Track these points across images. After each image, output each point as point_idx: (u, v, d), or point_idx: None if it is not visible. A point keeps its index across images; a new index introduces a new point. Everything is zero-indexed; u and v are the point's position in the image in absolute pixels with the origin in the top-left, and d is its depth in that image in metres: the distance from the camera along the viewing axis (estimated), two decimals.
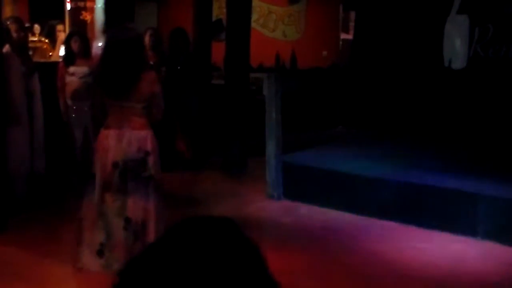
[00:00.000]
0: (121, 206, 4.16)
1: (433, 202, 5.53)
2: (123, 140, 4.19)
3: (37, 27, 8.82)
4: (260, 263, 0.98)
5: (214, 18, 9.44)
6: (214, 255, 0.93)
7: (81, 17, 9.29)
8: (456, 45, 7.88)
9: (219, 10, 10.15)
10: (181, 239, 0.96)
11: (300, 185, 6.34)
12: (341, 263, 4.75)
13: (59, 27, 8.71)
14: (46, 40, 8.46)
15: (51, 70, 6.76)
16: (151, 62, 7.27)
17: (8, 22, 6.13)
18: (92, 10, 9.36)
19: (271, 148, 6.44)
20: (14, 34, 6.03)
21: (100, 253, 4.22)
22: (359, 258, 4.84)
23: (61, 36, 8.67)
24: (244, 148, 7.57)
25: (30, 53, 7.21)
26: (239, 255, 0.95)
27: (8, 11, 8.05)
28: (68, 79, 6.60)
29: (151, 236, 4.13)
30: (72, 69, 6.60)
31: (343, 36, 12.16)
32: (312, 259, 4.81)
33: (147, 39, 7.52)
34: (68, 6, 9.17)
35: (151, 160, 4.25)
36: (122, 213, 4.16)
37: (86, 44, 6.78)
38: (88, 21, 9.37)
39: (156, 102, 4.32)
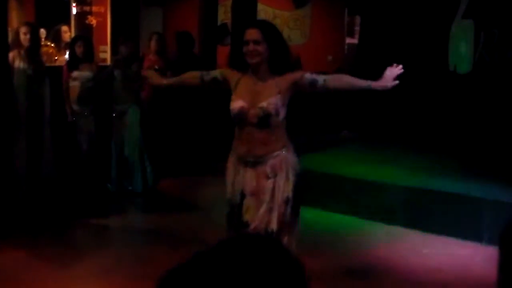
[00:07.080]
0: None
1: (439, 207, 5.50)
2: None
3: (43, 31, 8.82)
4: (303, 284, 0.97)
5: (219, 23, 9.44)
6: (258, 273, 0.92)
7: (87, 22, 9.30)
8: (461, 50, 7.85)
9: (224, 15, 10.14)
10: (227, 255, 0.95)
11: (305, 189, 6.31)
12: (346, 267, 4.74)
13: (64, 28, 8.69)
14: (52, 44, 8.46)
15: (57, 74, 6.77)
16: (156, 67, 7.29)
17: (18, 26, 6.19)
18: (98, 15, 9.37)
19: None
20: (22, 37, 6.08)
21: None
22: (364, 263, 4.83)
23: (67, 37, 8.64)
24: None
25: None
26: (283, 275, 0.94)
27: (14, 16, 8.07)
28: (71, 83, 6.60)
29: None
30: (75, 73, 6.60)
31: (348, 40, 12.13)
32: (316, 263, 4.78)
33: (152, 44, 7.54)
34: (74, 11, 9.17)
35: None
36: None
37: (90, 49, 6.78)
38: (94, 26, 9.38)
39: None
